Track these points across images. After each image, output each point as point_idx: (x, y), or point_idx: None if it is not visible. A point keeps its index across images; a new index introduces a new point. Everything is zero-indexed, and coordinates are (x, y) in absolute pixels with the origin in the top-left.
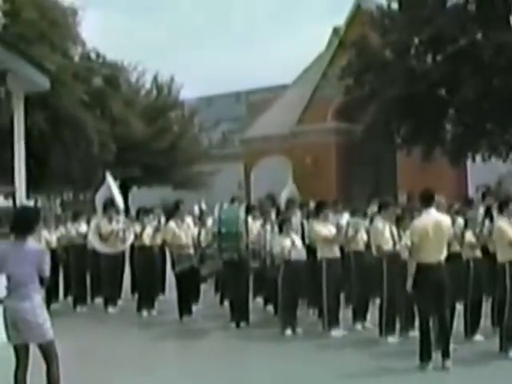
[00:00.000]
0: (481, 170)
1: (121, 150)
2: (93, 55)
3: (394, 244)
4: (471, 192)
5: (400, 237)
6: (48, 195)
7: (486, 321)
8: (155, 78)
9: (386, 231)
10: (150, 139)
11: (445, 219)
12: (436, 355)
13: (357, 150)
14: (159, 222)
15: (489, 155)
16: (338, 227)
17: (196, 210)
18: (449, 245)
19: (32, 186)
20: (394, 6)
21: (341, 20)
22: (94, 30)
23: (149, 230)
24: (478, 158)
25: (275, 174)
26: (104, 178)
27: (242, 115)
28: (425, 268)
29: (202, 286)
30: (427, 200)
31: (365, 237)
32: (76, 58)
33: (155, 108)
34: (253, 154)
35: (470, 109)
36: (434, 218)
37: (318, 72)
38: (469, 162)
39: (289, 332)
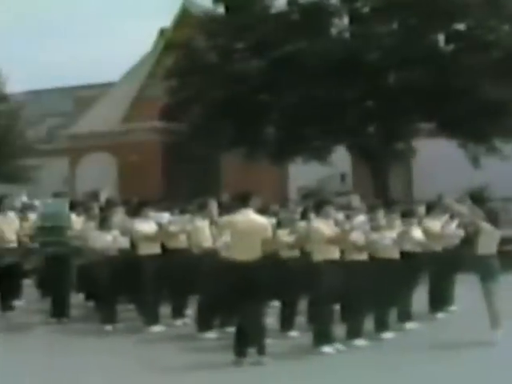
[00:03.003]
0: (301, 173)
1: None
2: None
3: (214, 242)
4: (292, 193)
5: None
6: None
7: (301, 317)
8: None
9: (205, 229)
10: None
11: (259, 219)
12: (252, 350)
13: (183, 150)
14: None
15: (309, 158)
16: (161, 226)
17: (17, 203)
18: (265, 244)
19: None
20: (221, 10)
21: (167, 21)
22: None
23: None
24: (299, 160)
25: (100, 171)
26: None
27: (70, 110)
28: (238, 266)
29: (25, 281)
30: (244, 200)
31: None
32: None
33: None
34: (78, 149)
35: (291, 113)
36: (248, 218)
37: (144, 71)
38: (290, 165)
39: (109, 327)
